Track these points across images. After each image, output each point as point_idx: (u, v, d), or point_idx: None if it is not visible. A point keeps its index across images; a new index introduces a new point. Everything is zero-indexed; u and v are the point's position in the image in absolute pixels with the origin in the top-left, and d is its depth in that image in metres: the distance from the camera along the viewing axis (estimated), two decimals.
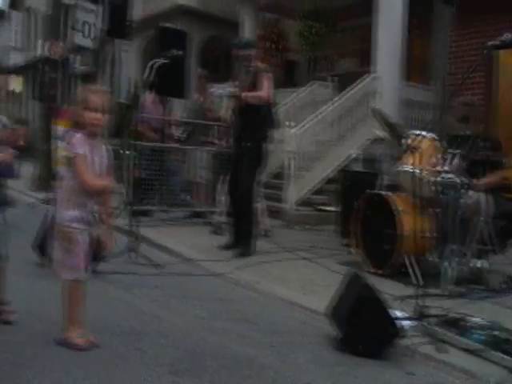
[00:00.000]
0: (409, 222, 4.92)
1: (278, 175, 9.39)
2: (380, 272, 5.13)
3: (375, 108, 6.10)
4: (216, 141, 8.42)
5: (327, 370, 3.10)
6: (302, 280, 5.05)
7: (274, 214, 8.22)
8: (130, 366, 2.81)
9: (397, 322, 3.44)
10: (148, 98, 8.32)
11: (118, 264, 4.96)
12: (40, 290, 3.95)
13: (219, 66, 13.85)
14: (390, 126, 5.29)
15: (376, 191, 5.57)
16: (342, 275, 4.98)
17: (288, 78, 13.20)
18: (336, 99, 9.80)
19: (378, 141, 8.43)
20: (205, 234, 7.04)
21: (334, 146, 9.38)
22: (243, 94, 5.78)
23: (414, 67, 11.23)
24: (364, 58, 12.80)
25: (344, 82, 12.53)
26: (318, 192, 9.13)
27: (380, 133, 5.81)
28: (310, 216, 8.49)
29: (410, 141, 4.92)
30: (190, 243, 6.43)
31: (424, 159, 4.81)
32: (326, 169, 9.20)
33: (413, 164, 4.70)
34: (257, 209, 6.84)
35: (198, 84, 8.60)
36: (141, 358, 2.95)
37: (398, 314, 3.70)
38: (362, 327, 3.35)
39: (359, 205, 5.48)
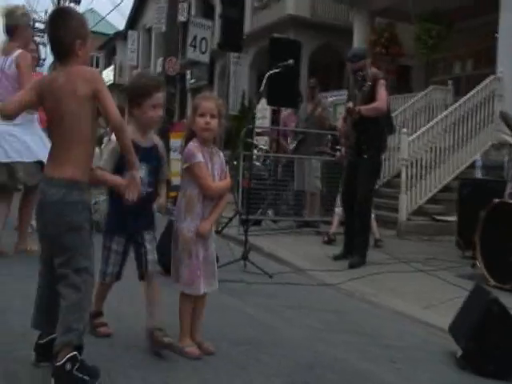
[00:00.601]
0: None
1: (391, 184, 9.15)
2: (506, 287, 4.79)
3: (503, 111, 5.73)
4: (328, 150, 8.36)
5: None
6: (420, 293, 4.84)
7: (387, 224, 7.99)
8: (250, 376, 2.78)
9: None
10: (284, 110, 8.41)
11: (230, 272, 4.99)
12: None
13: (330, 73, 13.82)
14: None
15: (504, 200, 5.21)
16: (463, 289, 4.78)
17: (402, 83, 12.85)
18: (454, 103, 9.42)
19: (502, 146, 7.95)
20: (316, 244, 6.96)
21: (452, 153, 9.00)
22: (361, 109, 5.61)
23: None
24: (483, 60, 12.26)
25: (462, 85, 12.06)
26: (434, 201, 8.79)
27: (509, 138, 5.44)
28: (424, 226, 8.18)
29: None
30: (302, 253, 6.38)
31: None
32: (442, 177, 8.84)
33: None
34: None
35: (309, 93, 8.55)
36: (260, 368, 2.91)
37: None
38: (490, 345, 3.13)
39: (484, 214, 5.15)
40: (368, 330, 3.87)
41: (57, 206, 2.45)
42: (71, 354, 2.38)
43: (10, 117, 2.65)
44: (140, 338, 3.06)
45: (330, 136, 8.33)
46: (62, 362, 2.36)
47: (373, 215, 6.99)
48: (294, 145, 8.53)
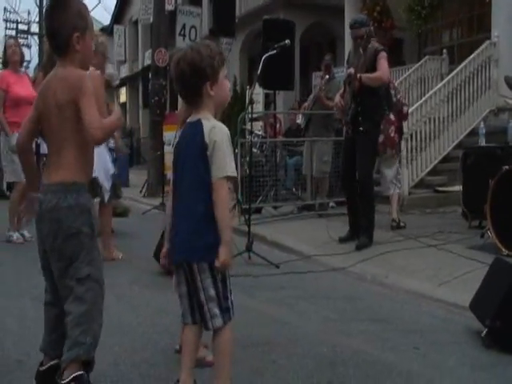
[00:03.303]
0: None
1: None
2: None
3: (508, 76, 5.55)
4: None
5: (485, 374, 2.76)
6: (432, 270, 4.68)
7: (384, 199, 7.82)
8: (268, 382, 2.62)
9: None
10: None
11: (235, 266, 4.81)
12: (164, 302, 3.89)
13: (322, 52, 13.61)
14: None
15: None
16: (476, 261, 4.64)
17: (395, 56, 12.69)
18: (450, 73, 9.27)
19: (502, 111, 7.79)
20: (320, 228, 6.77)
21: (451, 122, 8.84)
22: (363, 76, 5.43)
23: None
24: (476, 26, 12.14)
25: (456, 53, 11.91)
26: (434, 172, 8.64)
27: None
28: (426, 199, 8.03)
29: None
30: (306, 238, 6.22)
31: None
32: (442, 147, 8.69)
33: None
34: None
35: (324, 71, 8.32)
36: (278, 372, 2.75)
37: None
38: None
39: (494, 182, 4.97)
40: (384, 316, 3.72)
41: (52, 212, 2.30)
42: (77, 374, 2.21)
43: (25, 150, 2.48)
44: (146, 353, 2.90)
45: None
46: (67, 380, 2.19)
47: (391, 192, 6.79)
48: (304, 124, 8.33)
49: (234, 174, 2.25)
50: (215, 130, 2.23)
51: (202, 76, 2.26)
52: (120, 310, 3.79)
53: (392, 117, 6.53)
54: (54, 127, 2.33)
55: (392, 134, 6.56)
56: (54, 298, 2.39)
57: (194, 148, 2.24)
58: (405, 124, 7.21)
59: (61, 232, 2.29)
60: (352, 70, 5.51)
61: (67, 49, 2.33)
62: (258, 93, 10.93)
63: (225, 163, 2.20)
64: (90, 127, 2.24)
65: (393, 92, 6.55)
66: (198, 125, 2.26)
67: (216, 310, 2.23)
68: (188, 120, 2.35)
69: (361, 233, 5.62)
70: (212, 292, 2.22)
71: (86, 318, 2.28)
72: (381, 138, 6.40)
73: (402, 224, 6.51)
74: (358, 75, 5.43)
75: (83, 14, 2.37)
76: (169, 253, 2.38)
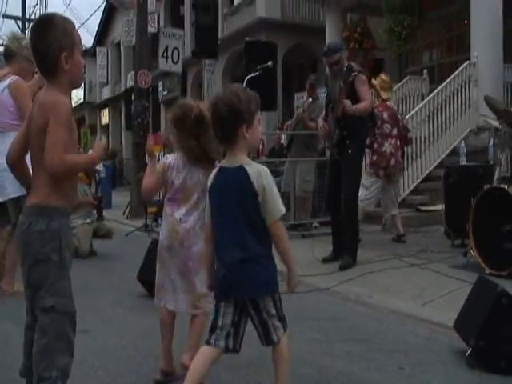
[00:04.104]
0: None
1: None
2: (503, 273, 4.68)
3: (487, 95, 5.64)
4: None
5: None
6: (416, 289, 4.70)
7: (372, 219, 7.87)
8: None
9: None
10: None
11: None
12: (148, 324, 3.85)
13: (304, 73, 13.76)
14: (504, 113, 4.85)
15: (496, 185, 5.10)
16: (459, 280, 4.67)
17: (376, 77, 12.87)
18: (431, 92, 9.44)
19: (482, 131, 7.91)
20: (304, 247, 6.77)
21: (433, 142, 8.97)
22: (353, 109, 5.42)
23: None
24: (455, 47, 12.42)
25: (436, 73, 12.12)
26: (416, 192, 8.72)
27: (494, 122, 5.35)
28: (409, 218, 8.08)
29: None
30: None
31: None
32: (424, 166, 8.79)
33: None
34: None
35: (308, 90, 8.39)
36: None
37: None
38: (501, 341, 2.99)
39: (475, 201, 5.03)
40: (369, 336, 3.71)
41: (23, 236, 2.24)
42: None
43: (17, 165, 2.44)
44: (131, 378, 2.86)
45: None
46: None
47: (396, 211, 7.09)
48: (286, 143, 8.38)
49: (284, 211, 2.38)
50: (262, 175, 2.32)
51: (239, 118, 2.32)
52: (103, 333, 3.75)
53: (398, 142, 6.87)
54: (33, 149, 2.29)
55: (398, 159, 6.93)
56: (33, 321, 2.33)
57: (244, 195, 2.31)
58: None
59: (28, 257, 2.23)
60: (349, 102, 5.43)
61: (56, 70, 2.27)
62: None
63: (277, 205, 2.33)
64: (47, 162, 2.17)
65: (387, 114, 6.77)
66: (242, 172, 2.32)
67: (277, 323, 2.39)
68: (224, 165, 2.41)
69: (344, 253, 5.63)
70: (273, 311, 2.38)
71: (48, 351, 2.19)
72: (392, 161, 6.63)
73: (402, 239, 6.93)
74: (348, 103, 5.40)
75: (69, 31, 2.30)
76: (217, 289, 2.44)
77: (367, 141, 6.83)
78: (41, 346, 2.20)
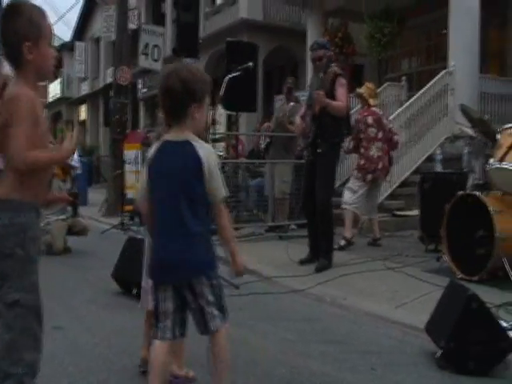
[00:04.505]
0: (507, 222, 4.57)
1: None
2: (474, 278, 4.75)
3: (463, 104, 5.74)
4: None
5: None
6: (390, 292, 4.75)
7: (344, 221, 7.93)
8: None
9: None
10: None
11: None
12: (122, 322, 3.83)
13: (285, 76, 13.83)
14: (479, 122, 4.94)
15: (469, 192, 5.17)
16: (431, 284, 4.74)
17: (356, 82, 12.99)
18: (409, 99, 9.54)
19: (457, 139, 8.03)
20: (281, 249, 6.80)
21: (410, 148, 9.07)
22: (325, 100, 5.45)
23: (491, 58, 10.83)
24: (434, 55, 12.59)
25: (414, 80, 12.26)
26: (393, 197, 8.80)
27: (469, 130, 5.44)
28: (385, 222, 8.13)
29: (507, 135, 4.54)
30: (267, 259, 6.23)
31: None
32: (401, 172, 8.88)
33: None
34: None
35: (286, 94, 8.40)
36: None
37: (503, 324, 3.36)
38: (470, 343, 3.04)
39: (448, 207, 5.10)
40: (343, 337, 3.75)
41: None
42: None
43: None
44: (102, 375, 2.84)
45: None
46: None
47: (376, 215, 7.17)
48: (264, 146, 8.40)
49: (227, 194, 2.33)
50: (210, 152, 2.26)
51: (191, 96, 2.26)
52: (76, 331, 3.72)
53: (385, 146, 6.92)
54: (2, 144, 2.20)
55: (386, 163, 6.96)
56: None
57: (189, 170, 2.24)
58: None
59: None
60: (322, 92, 5.50)
61: (19, 59, 2.20)
62: (221, 114, 11.01)
63: (221, 185, 2.28)
64: (10, 158, 2.13)
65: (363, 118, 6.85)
66: (189, 146, 2.25)
67: (215, 312, 2.29)
68: (168, 138, 2.32)
69: (320, 255, 5.67)
70: (210, 297, 2.28)
71: (14, 347, 2.15)
72: (380, 165, 6.72)
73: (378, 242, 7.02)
74: (321, 92, 5.44)
75: (35, 20, 2.22)
76: (152, 270, 2.36)
77: (349, 145, 6.96)
78: (6, 342, 2.15)
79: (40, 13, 2.26)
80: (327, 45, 5.89)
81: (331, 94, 5.55)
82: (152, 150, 2.34)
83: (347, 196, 6.92)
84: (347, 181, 9.19)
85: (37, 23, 2.22)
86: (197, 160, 2.23)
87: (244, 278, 5.41)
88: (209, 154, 2.26)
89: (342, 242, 6.72)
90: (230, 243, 2.37)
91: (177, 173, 2.25)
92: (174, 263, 2.26)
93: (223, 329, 2.31)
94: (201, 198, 2.25)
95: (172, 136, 2.32)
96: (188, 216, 2.24)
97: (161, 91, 2.30)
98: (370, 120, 6.89)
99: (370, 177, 6.88)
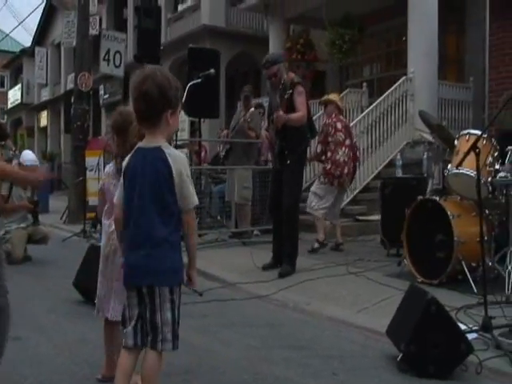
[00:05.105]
0: (465, 226, 4.67)
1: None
2: (434, 282, 4.84)
3: (422, 110, 5.87)
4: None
5: None
6: (352, 297, 4.80)
7: (310, 227, 7.97)
8: None
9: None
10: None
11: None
12: (83, 331, 3.78)
13: (247, 82, 13.88)
14: (437, 128, 5.05)
15: (429, 197, 5.27)
16: (393, 288, 4.81)
17: (318, 88, 13.11)
18: (370, 105, 9.68)
19: (417, 144, 8.18)
20: (244, 256, 6.81)
21: (371, 153, 9.20)
22: (285, 118, 5.49)
23: (449, 65, 11.08)
24: (393, 62, 12.81)
25: (375, 87, 12.45)
26: (354, 202, 8.89)
27: (428, 136, 5.57)
28: (346, 227, 8.20)
29: (464, 141, 4.65)
30: (231, 266, 6.23)
31: (481, 159, 4.51)
32: (362, 177, 8.98)
33: (470, 165, 4.36)
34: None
35: (243, 101, 8.41)
36: None
37: (462, 326, 3.44)
38: (429, 346, 3.10)
39: (409, 212, 5.20)
40: (305, 342, 3.77)
41: None
42: None
43: None
44: None
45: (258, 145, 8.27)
46: None
47: (339, 221, 7.24)
48: (223, 153, 8.41)
49: (198, 202, 2.33)
50: (181, 159, 2.27)
51: (166, 103, 2.28)
52: (36, 340, 3.65)
53: (351, 154, 7.04)
54: None
55: (351, 170, 7.08)
56: None
57: (159, 176, 2.24)
58: None
59: None
60: (281, 113, 5.51)
61: None
62: (183, 120, 10.96)
63: (192, 194, 2.27)
64: None
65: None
66: (160, 152, 2.25)
67: (169, 335, 2.26)
68: (142, 145, 2.33)
69: (284, 260, 5.70)
70: (169, 316, 2.26)
71: None
72: (346, 170, 6.86)
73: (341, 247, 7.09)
74: (285, 116, 5.48)
75: None
76: (124, 274, 2.36)
77: (316, 149, 7.03)
78: None
79: None
80: (279, 59, 5.89)
81: (291, 106, 5.59)
82: (127, 158, 2.36)
83: (314, 201, 6.97)
84: (311, 185, 9.31)
85: None
86: (167, 167, 2.24)
87: (208, 284, 5.48)
88: (180, 160, 2.26)
89: (316, 245, 6.83)
90: (190, 254, 2.37)
91: (147, 180, 2.26)
92: (140, 267, 2.26)
93: (162, 357, 2.29)
94: (171, 205, 2.25)
95: (145, 143, 2.32)
96: (158, 224, 2.24)
97: (135, 95, 2.30)
98: (339, 125, 6.98)
99: (336, 182, 6.94)
